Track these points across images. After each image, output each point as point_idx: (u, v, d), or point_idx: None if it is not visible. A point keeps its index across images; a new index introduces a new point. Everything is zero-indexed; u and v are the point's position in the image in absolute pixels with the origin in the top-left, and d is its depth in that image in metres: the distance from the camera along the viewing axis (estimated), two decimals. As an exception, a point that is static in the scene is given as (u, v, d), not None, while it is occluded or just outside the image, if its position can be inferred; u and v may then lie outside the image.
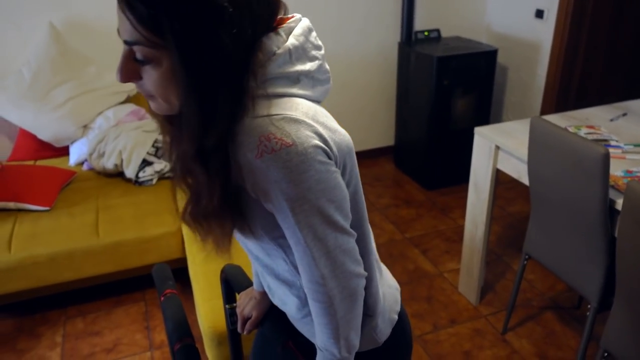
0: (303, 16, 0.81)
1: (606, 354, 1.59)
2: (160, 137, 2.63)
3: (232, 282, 1.31)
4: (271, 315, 1.17)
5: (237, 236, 0.88)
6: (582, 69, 3.22)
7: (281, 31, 0.75)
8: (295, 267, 0.86)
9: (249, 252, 0.94)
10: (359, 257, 0.82)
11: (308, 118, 0.73)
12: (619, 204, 1.56)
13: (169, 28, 0.64)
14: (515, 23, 3.46)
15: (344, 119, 3.41)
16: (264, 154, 0.68)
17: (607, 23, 3.14)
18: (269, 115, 0.71)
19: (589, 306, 1.74)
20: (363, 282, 0.83)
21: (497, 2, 3.59)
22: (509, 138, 2.02)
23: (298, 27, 0.77)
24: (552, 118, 2.19)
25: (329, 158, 0.74)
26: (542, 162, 1.75)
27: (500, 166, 2.08)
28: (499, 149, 2.05)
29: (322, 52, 0.82)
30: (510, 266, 2.62)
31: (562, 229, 1.77)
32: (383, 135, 3.80)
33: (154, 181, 2.56)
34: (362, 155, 3.74)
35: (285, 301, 0.95)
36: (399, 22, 3.46)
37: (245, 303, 1.18)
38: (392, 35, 3.50)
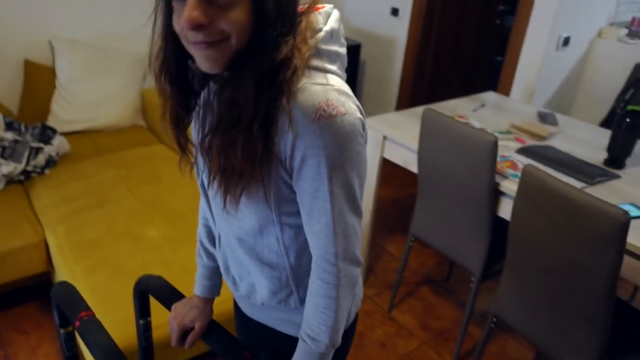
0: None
1: (495, 319, 1.76)
2: (6, 135, 2.25)
3: (157, 294, 1.17)
4: (216, 328, 1.08)
5: (223, 216, 0.88)
6: (432, 63, 3.52)
7: (322, 13, 0.80)
8: (286, 248, 0.86)
9: (231, 234, 0.90)
10: (360, 242, 0.84)
11: (352, 94, 0.78)
12: (502, 186, 1.74)
13: None
14: (372, 19, 3.65)
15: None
16: (322, 119, 0.71)
17: (453, 22, 3.47)
18: (326, 85, 0.74)
19: (472, 278, 1.91)
20: (359, 272, 0.86)
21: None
22: (394, 129, 2.12)
23: (334, 13, 0.82)
24: (422, 110, 2.35)
25: (365, 134, 0.78)
26: (433, 149, 1.87)
27: (387, 155, 2.18)
28: (386, 139, 2.14)
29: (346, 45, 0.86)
30: (385, 248, 2.77)
31: (449, 211, 1.91)
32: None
33: (1, 186, 2.18)
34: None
35: (259, 284, 0.92)
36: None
37: (184, 313, 1.06)
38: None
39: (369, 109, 3.86)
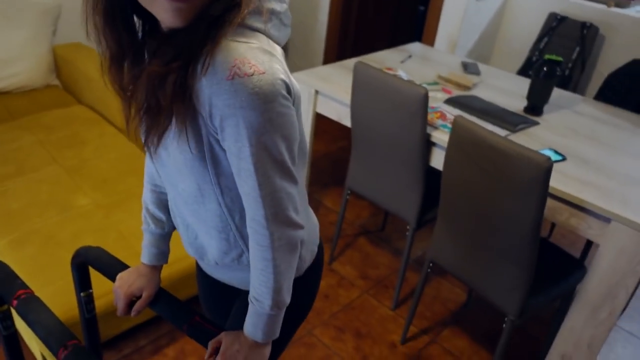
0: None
1: (431, 264, 1.87)
2: None
3: (97, 266, 1.13)
4: (164, 295, 1.07)
5: (169, 177, 0.88)
6: (357, 13, 3.51)
7: None
8: (229, 210, 0.85)
9: (177, 197, 0.90)
10: (299, 208, 0.83)
11: (278, 55, 0.76)
12: (433, 137, 1.81)
13: None
14: (295, -33, 3.55)
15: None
16: (236, 77, 0.68)
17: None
18: (247, 43, 0.72)
19: (408, 227, 2.00)
20: (301, 235, 0.85)
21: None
22: (326, 83, 2.12)
23: None
24: (354, 62, 2.36)
25: (290, 96, 0.75)
26: (365, 103, 1.89)
27: (319, 110, 2.18)
28: (318, 93, 2.14)
29: None
30: (321, 202, 2.82)
31: (384, 163, 1.97)
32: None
33: None
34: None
35: (209, 245, 0.93)
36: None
37: (131, 281, 1.04)
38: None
39: (296, 60, 3.81)
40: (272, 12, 0.78)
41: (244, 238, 0.89)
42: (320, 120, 2.63)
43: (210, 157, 0.79)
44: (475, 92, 2.19)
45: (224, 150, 0.77)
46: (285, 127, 0.74)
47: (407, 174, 1.90)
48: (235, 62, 0.69)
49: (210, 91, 0.70)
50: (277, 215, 0.79)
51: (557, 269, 1.74)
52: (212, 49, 0.69)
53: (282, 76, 0.73)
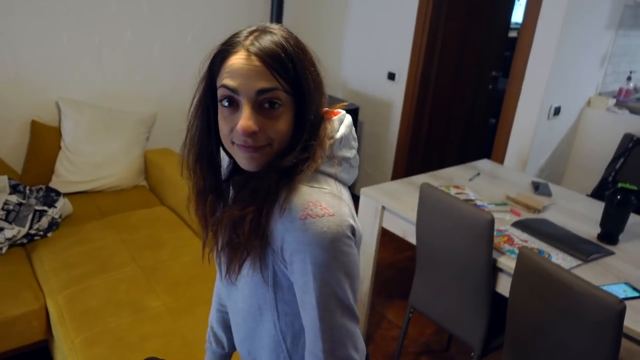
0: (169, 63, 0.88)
1: (495, 399, 1.76)
2: (10, 198, 2.28)
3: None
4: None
5: (232, 296, 0.97)
6: (428, 126, 3.62)
7: (336, 120, 0.90)
8: (283, 333, 0.91)
9: (237, 315, 0.98)
10: (359, 345, 0.85)
11: (346, 198, 0.86)
12: (500, 262, 1.78)
13: (302, 80, 0.82)
14: (369, 83, 3.77)
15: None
16: (308, 217, 0.78)
17: (448, 87, 3.60)
18: (320, 188, 0.83)
19: (472, 354, 1.92)
20: None
21: (351, 62, 3.88)
22: (393, 199, 2.18)
23: (346, 119, 0.93)
24: (423, 178, 2.41)
25: (354, 237, 0.83)
26: (430, 224, 1.91)
27: (385, 225, 2.22)
28: (385, 209, 2.19)
29: (357, 144, 0.96)
30: (385, 315, 2.77)
31: (448, 284, 1.94)
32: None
33: (4, 250, 2.19)
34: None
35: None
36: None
37: None
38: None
39: (366, 168, 3.93)
40: (343, 159, 0.90)
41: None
42: (387, 231, 2.65)
43: (273, 284, 0.87)
44: (545, 215, 2.16)
45: (288, 280, 0.85)
46: (348, 265, 0.81)
47: (473, 297, 1.86)
48: (308, 204, 0.79)
49: (284, 228, 0.80)
50: (335, 350, 0.81)
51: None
52: (288, 194, 0.81)
53: (349, 219, 0.81)
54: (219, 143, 0.88)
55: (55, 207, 2.39)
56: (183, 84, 3.21)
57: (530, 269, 1.51)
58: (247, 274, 0.89)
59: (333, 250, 0.78)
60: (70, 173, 2.71)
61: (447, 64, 3.53)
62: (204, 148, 0.89)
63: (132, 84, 3.01)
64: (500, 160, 3.08)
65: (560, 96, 2.97)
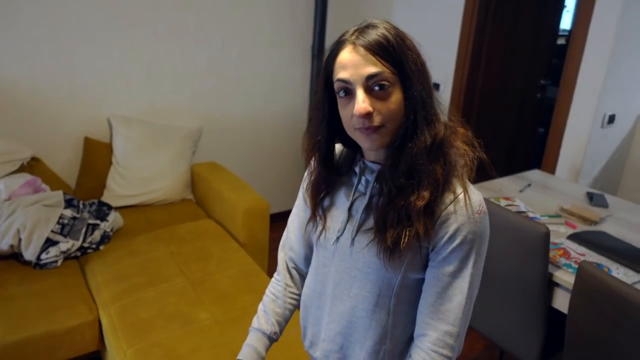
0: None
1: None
2: (65, 213, 2.36)
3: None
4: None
5: (342, 280, 1.02)
6: (474, 137, 3.54)
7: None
8: (394, 322, 0.98)
9: (344, 302, 1.02)
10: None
11: None
12: (556, 277, 1.71)
13: (404, 61, 0.90)
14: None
15: (254, 180, 3.37)
16: (482, 213, 0.92)
17: (494, 97, 3.52)
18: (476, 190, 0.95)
19: (528, 372, 1.85)
20: None
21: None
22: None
23: None
24: (471, 189, 2.35)
25: None
26: (482, 237, 1.86)
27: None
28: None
29: None
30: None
31: (500, 298, 1.88)
32: (292, 197, 3.79)
33: (59, 263, 2.27)
34: (273, 218, 3.68)
35: (356, 356, 1.03)
36: (307, 87, 3.55)
37: None
38: (301, 99, 3.58)
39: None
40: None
41: (393, 357, 1.00)
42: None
43: (407, 268, 0.94)
44: (602, 227, 2.06)
45: (423, 266, 0.94)
46: (484, 259, 0.95)
47: (527, 313, 1.79)
48: (481, 202, 0.93)
49: (462, 220, 0.90)
50: (460, 335, 0.93)
51: None
52: (465, 187, 0.92)
53: None
54: (334, 134, 1.00)
55: (107, 220, 2.46)
56: (228, 98, 3.26)
57: (591, 285, 1.44)
58: (374, 254, 0.95)
59: (486, 244, 0.94)
60: (121, 187, 2.78)
61: (493, 73, 3.46)
62: (320, 137, 0.99)
63: (179, 99, 3.09)
64: (552, 170, 2.97)
65: (614, 104, 2.85)
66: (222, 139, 3.31)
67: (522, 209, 2.17)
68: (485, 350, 2.58)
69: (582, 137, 2.84)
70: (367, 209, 0.98)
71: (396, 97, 0.89)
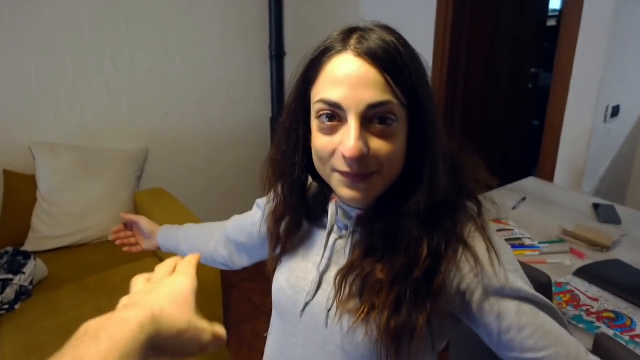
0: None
1: None
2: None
3: None
4: None
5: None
6: (459, 133, 3.15)
7: None
8: None
9: None
10: None
11: None
12: (564, 335, 1.32)
13: (419, 88, 0.68)
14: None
15: (210, 197, 2.97)
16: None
17: (479, 91, 3.12)
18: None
19: None
20: None
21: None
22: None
23: None
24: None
25: None
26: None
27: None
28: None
29: None
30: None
31: None
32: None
33: (-40, 332, 1.87)
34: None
35: None
36: (269, 97, 3.14)
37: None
38: (264, 108, 3.16)
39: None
40: None
41: None
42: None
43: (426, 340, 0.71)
44: (617, 254, 1.67)
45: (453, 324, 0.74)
46: None
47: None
48: (512, 259, 0.74)
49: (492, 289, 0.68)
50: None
51: None
52: (489, 246, 0.70)
53: None
54: (310, 166, 0.76)
55: (24, 273, 2.06)
56: (176, 112, 2.85)
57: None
58: (371, 343, 0.71)
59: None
60: (49, 227, 2.38)
61: (477, 64, 3.05)
62: (288, 170, 0.77)
63: (116, 117, 2.67)
64: (550, 174, 2.57)
65: (618, 93, 2.45)
66: (172, 160, 2.90)
67: (517, 234, 1.78)
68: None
69: (582, 134, 2.44)
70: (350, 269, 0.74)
71: (401, 136, 0.69)
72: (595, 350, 1.08)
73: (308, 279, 0.80)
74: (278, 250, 0.85)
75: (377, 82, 0.65)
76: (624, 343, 1.25)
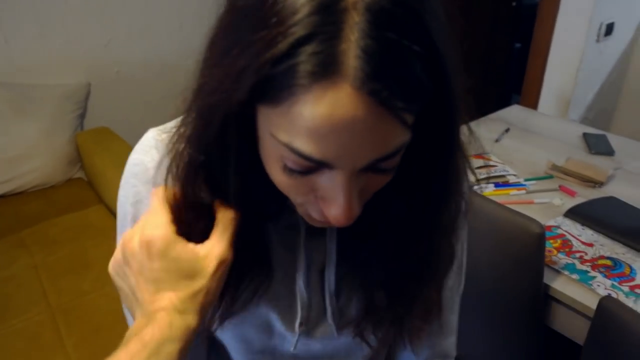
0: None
1: None
2: None
3: None
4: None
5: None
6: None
7: None
8: None
9: None
10: None
11: None
12: (553, 289, 1.14)
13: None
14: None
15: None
16: None
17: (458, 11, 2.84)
18: None
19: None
20: None
21: None
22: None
23: None
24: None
25: None
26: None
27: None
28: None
29: None
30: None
31: (487, 320, 1.32)
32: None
33: None
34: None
35: None
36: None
37: None
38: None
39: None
40: None
41: None
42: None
43: None
44: (611, 190, 1.49)
45: None
46: None
47: (516, 335, 1.25)
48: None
49: None
50: None
51: None
52: None
53: None
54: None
55: (-55, 228, 1.81)
56: (122, 42, 2.51)
57: (615, 335, 0.88)
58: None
59: None
60: (-23, 175, 2.10)
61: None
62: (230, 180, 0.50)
63: (48, 48, 2.32)
64: (534, 101, 2.36)
65: (613, 8, 2.20)
66: (118, 97, 2.59)
67: (500, 170, 1.58)
68: None
69: (572, 56, 2.21)
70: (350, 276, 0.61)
71: (399, 157, 0.44)
72: (599, 315, 0.90)
73: (291, 306, 0.63)
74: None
75: (391, 126, 0.40)
76: (622, 295, 1.09)
